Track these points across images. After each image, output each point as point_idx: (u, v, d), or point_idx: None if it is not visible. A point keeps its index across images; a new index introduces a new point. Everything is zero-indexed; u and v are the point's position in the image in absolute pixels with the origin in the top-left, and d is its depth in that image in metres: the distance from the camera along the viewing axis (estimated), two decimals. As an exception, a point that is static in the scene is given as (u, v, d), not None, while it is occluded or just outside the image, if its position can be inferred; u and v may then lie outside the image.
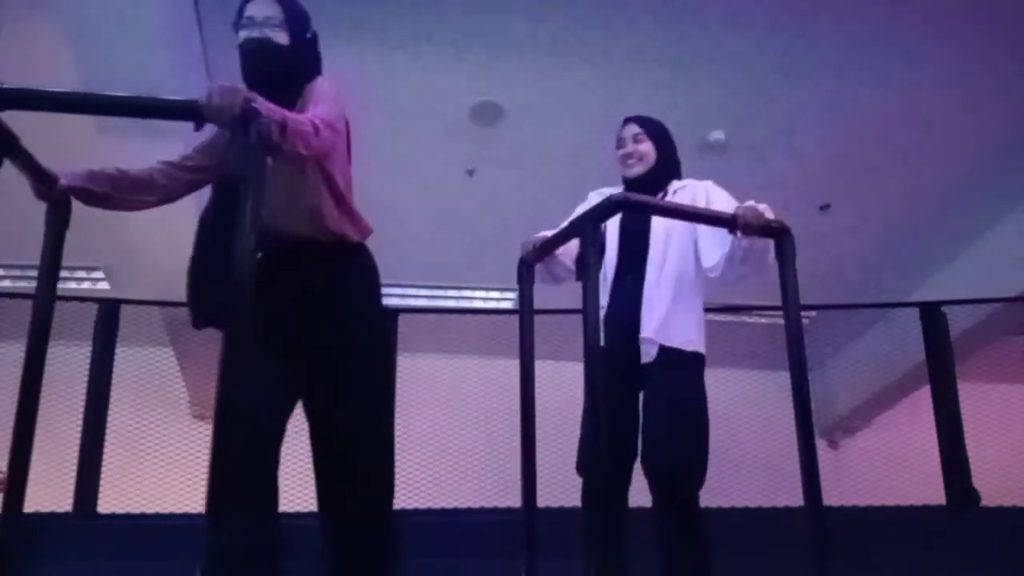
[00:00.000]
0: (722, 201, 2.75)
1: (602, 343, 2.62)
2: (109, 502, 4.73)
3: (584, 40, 5.64)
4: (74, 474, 4.58)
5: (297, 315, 2.30)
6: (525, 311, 2.62)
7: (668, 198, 2.83)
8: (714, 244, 2.69)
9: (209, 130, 2.13)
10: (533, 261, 2.65)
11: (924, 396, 5.20)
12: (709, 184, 2.89)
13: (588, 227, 2.27)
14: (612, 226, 2.85)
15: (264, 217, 2.00)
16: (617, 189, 2.89)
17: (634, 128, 2.94)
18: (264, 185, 1.88)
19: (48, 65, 5.16)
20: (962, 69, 5.83)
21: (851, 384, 8.19)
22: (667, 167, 2.93)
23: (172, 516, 4.60)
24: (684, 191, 2.87)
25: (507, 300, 8.16)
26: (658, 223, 2.82)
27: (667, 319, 2.70)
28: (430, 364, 6.18)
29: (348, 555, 2.25)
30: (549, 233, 2.61)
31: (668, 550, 2.60)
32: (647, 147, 2.90)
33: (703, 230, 2.75)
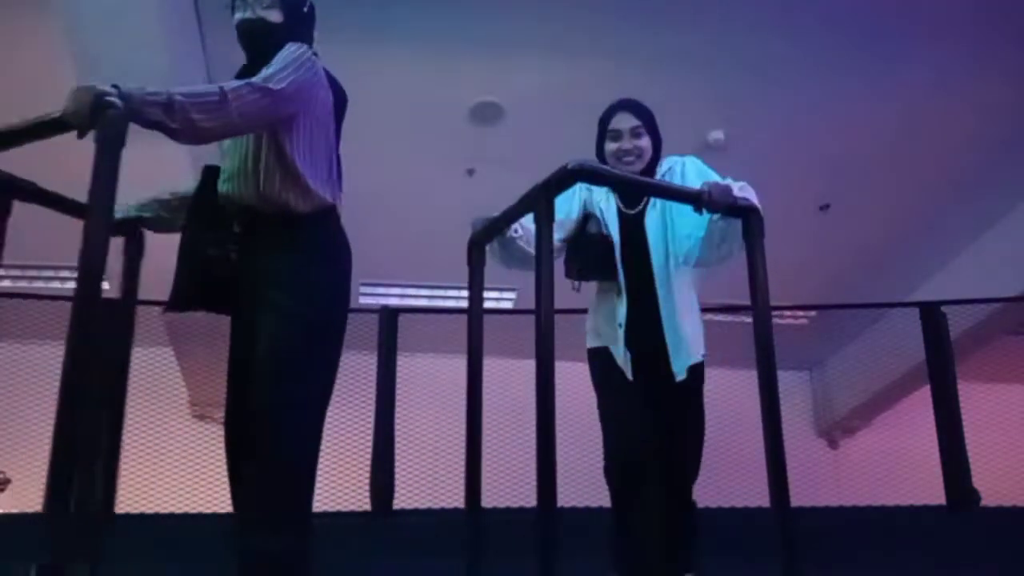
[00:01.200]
0: (698, 176, 2.66)
1: (630, 377, 2.67)
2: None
3: (584, 40, 5.64)
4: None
5: (239, 285, 2.26)
6: (475, 297, 2.57)
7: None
8: (694, 228, 2.60)
9: None
10: (484, 240, 2.59)
11: (924, 396, 5.20)
12: (686, 160, 2.78)
13: (541, 201, 2.14)
14: (614, 236, 2.75)
15: (223, 185, 2.25)
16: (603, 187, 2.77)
17: (631, 120, 2.75)
18: (114, 177, 1.88)
19: (47, 65, 5.16)
20: (962, 69, 5.83)
21: (851, 384, 8.19)
22: (657, 156, 2.79)
23: (172, 516, 4.60)
24: (668, 175, 2.77)
25: (507, 300, 8.16)
26: (652, 226, 2.72)
27: (690, 341, 2.66)
28: (430, 364, 6.17)
29: (245, 536, 2.09)
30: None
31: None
32: (646, 142, 2.75)
33: (679, 217, 2.66)
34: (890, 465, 6.50)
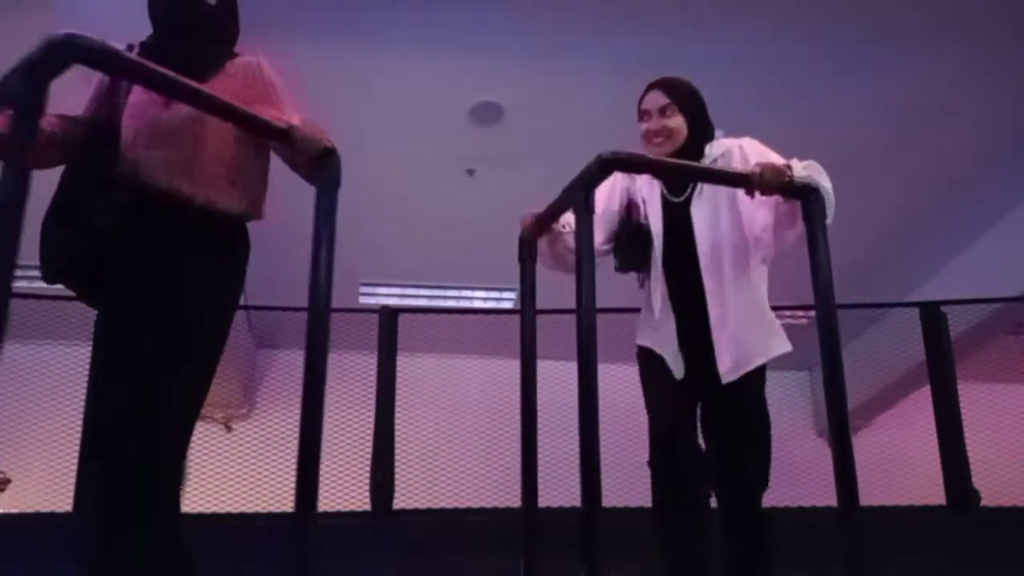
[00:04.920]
0: (759, 158, 2.41)
1: (679, 375, 2.48)
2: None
3: (584, 40, 5.63)
4: (74, 475, 4.58)
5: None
6: (527, 296, 2.37)
7: None
8: (761, 215, 2.41)
9: (92, 83, 2.06)
10: (533, 236, 2.42)
11: (924, 396, 5.20)
12: (745, 142, 2.57)
13: (579, 194, 2.00)
14: (656, 226, 2.56)
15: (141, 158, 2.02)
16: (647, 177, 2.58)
17: (660, 98, 2.55)
18: (333, 217, 1.91)
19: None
20: (961, 69, 5.83)
21: (851, 384, 8.13)
22: (700, 138, 2.57)
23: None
24: (720, 160, 2.56)
25: (507, 300, 8.16)
26: (700, 215, 2.51)
27: (743, 340, 2.45)
28: (430, 364, 6.17)
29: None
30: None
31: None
32: (677, 121, 2.53)
33: (745, 204, 2.45)
34: (890, 465, 6.50)
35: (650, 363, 2.56)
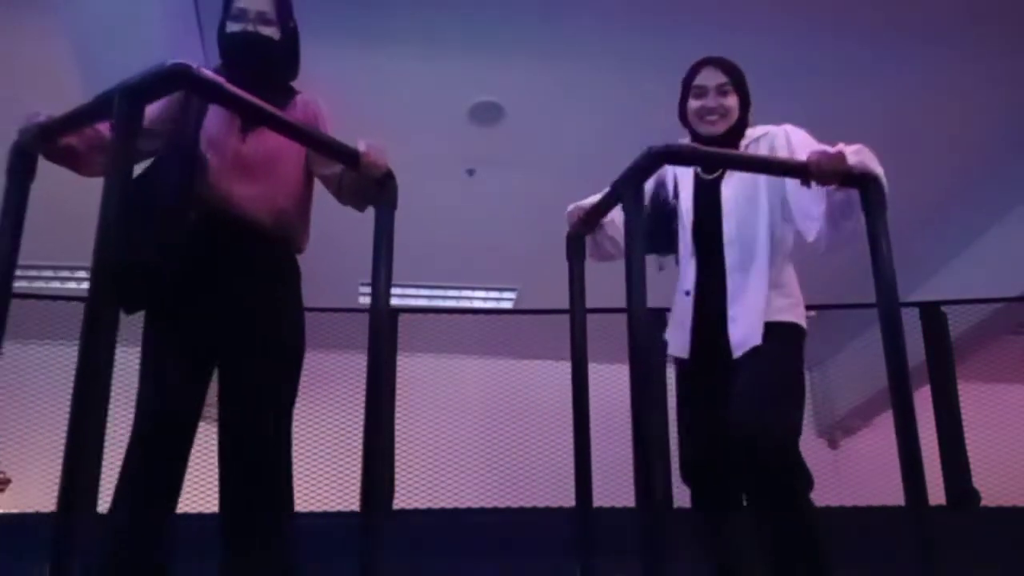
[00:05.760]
0: (806, 147, 2.33)
1: (681, 352, 2.40)
2: (109, 502, 4.72)
3: (584, 40, 5.63)
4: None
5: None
6: (576, 293, 2.30)
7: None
8: (812, 204, 2.30)
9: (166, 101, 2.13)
10: (583, 232, 2.37)
11: (924, 396, 5.20)
12: (788, 128, 2.52)
13: (629, 188, 1.95)
14: (685, 202, 2.50)
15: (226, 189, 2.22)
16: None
17: (719, 76, 2.49)
18: (391, 242, 2.13)
19: (48, 65, 5.16)
20: (961, 69, 5.83)
21: (851, 384, 8.18)
22: (744, 121, 2.53)
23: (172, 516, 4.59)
24: (763, 140, 2.51)
25: (506, 300, 8.16)
26: (730, 193, 2.44)
27: (755, 317, 2.33)
28: (430, 364, 6.17)
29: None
30: (593, 199, 2.36)
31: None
32: (733, 101, 2.49)
33: (794, 193, 2.35)
34: (890, 465, 6.47)
35: (677, 374, 2.50)
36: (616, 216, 2.38)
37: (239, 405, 2.20)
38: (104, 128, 2.05)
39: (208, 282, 2.17)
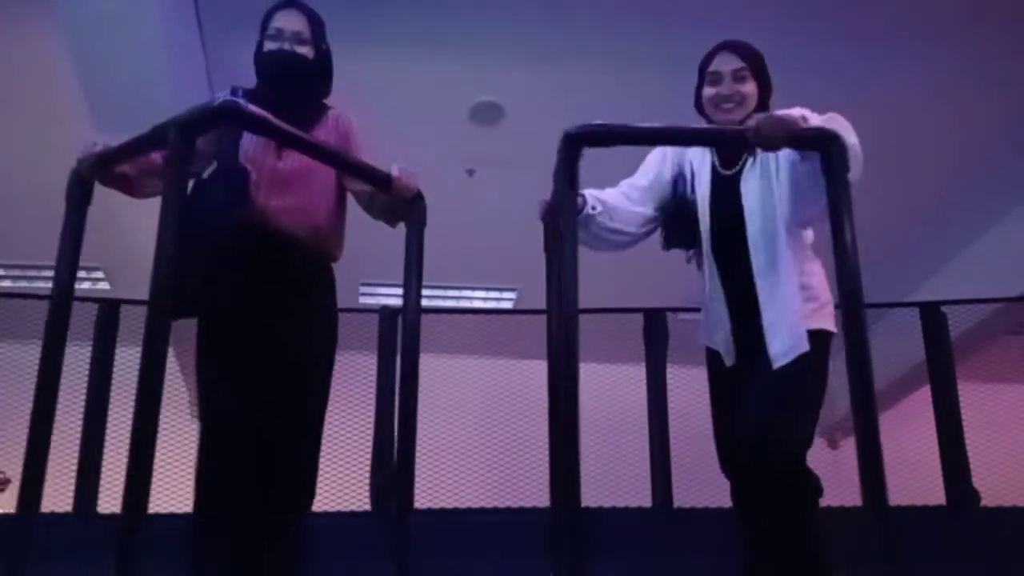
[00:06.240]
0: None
1: (729, 361, 2.33)
2: (109, 502, 4.73)
3: (584, 40, 5.63)
4: (74, 474, 4.58)
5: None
6: (552, 288, 2.33)
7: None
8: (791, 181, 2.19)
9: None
10: (548, 222, 2.37)
11: (924, 396, 5.20)
12: (796, 113, 2.27)
13: (562, 183, 1.93)
14: (703, 199, 2.40)
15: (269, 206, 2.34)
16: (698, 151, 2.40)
17: (735, 61, 2.39)
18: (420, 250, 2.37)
19: (48, 65, 5.16)
20: (961, 70, 5.83)
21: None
22: (764, 108, 2.38)
23: (173, 516, 4.59)
24: None
25: (506, 300, 8.16)
26: (749, 190, 2.32)
27: (792, 326, 2.23)
28: (429, 364, 6.16)
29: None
30: (594, 192, 2.40)
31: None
32: (750, 87, 2.38)
33: (785, 169, 2.24)
34: (890, 465, 6.47)
35: (711, 368, 2.45)
36: (611, 200, 2.42)
37: (274, 412, 2.30)
38: (154, 154, 2.20)
39: (248, 291, 2.29)
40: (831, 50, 5.71)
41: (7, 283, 7.24)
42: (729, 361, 2.38)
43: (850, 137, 2.05)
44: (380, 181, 2.24)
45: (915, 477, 5.26)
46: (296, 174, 2.37)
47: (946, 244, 7.43)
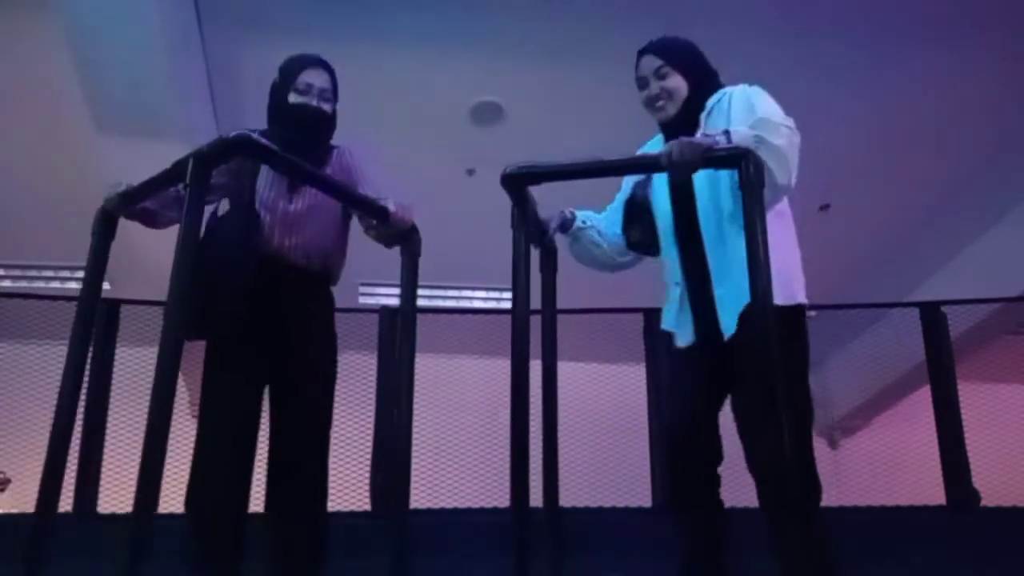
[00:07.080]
0: (746, 114, 2.25)
1: (685, 340, 2.35)
2: (109, 502, 4.73)
3: (584, 40, 5.63)
4: (74, 474, 4.58)
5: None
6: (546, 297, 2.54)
7: (701, 128, 2.34)
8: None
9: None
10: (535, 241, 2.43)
11: (924, 396, 5.20)
12: (737, 91, 2.41)
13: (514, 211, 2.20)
14: (663, 199, 2.42)
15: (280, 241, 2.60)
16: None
17: (653, 61, 2.43)
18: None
19: (47, 65, 5.16)
20: (960, 70, 5.83)
21: (851, 384, 8.18)
22: (703, 92, 2.42)
23: (173, 516, 4.59)
24: (715, 110, 2.38)
25: (506, 300, 8.15)
26: (702, 186, 2.32)
27: (743, 294, 2.09)
28: (429, 364, 6.16)
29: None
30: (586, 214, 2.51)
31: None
32: (675, 81, 2.40)
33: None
34: (890, 465, 6.50)
35: (668, 350, 2.46)
36: (596, 221, 2.55)
37: (286, 426, 2.54)
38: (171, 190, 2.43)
39: (259, 317, 2.49)
40: (831, 50, 5.71)
41: (7, 283, 7.25)
42: (684, 340, 2.39)
43: (777, 140, 2.11)
44: (379, 213, 2.42)
45: (915, 477, 5.27)
46: (306, 214, 2.61)
47: (946, 244, 7.43)
